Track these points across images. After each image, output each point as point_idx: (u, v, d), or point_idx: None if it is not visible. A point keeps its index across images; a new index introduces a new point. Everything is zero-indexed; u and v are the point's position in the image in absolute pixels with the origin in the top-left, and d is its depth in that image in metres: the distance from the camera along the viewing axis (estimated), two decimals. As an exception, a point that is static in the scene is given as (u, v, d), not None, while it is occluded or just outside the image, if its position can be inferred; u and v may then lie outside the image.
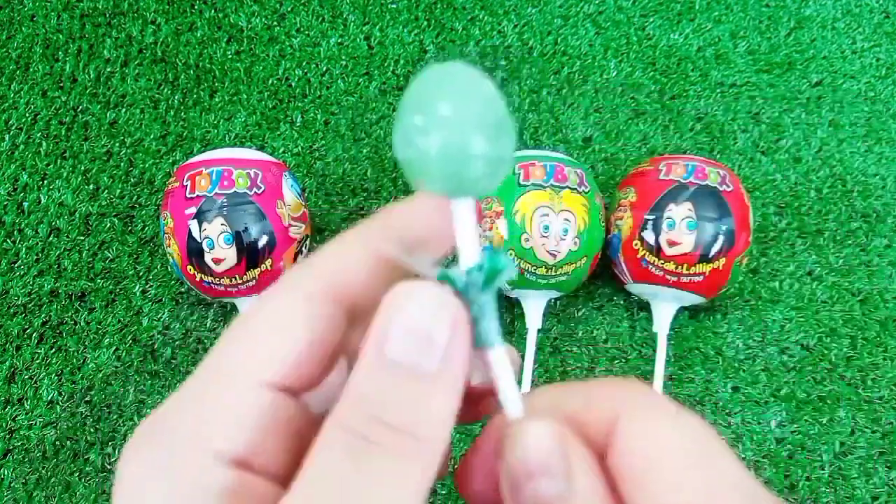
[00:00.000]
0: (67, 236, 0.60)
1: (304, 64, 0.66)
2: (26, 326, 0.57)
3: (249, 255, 0.49)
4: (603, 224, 0.53)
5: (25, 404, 0.55)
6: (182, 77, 0.66)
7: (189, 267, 0.50)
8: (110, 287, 0.58)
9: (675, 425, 0.16)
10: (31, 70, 0.66)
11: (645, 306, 0.57)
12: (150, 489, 0.14)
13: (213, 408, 0.15)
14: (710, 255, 0.49)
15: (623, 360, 0.55)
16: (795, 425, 0.53)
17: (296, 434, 0.16)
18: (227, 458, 0.15)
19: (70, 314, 0.57)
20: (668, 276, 0.50)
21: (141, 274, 0.58)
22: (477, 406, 0.19)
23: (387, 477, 0.14)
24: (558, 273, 0.51)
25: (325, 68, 0.66)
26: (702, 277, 0.50)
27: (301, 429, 0.16)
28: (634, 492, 0.16)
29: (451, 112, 0.15)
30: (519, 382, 0.54)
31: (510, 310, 0.57)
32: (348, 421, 0.15)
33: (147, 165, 0.62)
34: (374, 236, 0.18)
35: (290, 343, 0.16)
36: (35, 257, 0.59)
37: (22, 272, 0.59)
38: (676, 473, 0.16)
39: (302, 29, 0.68)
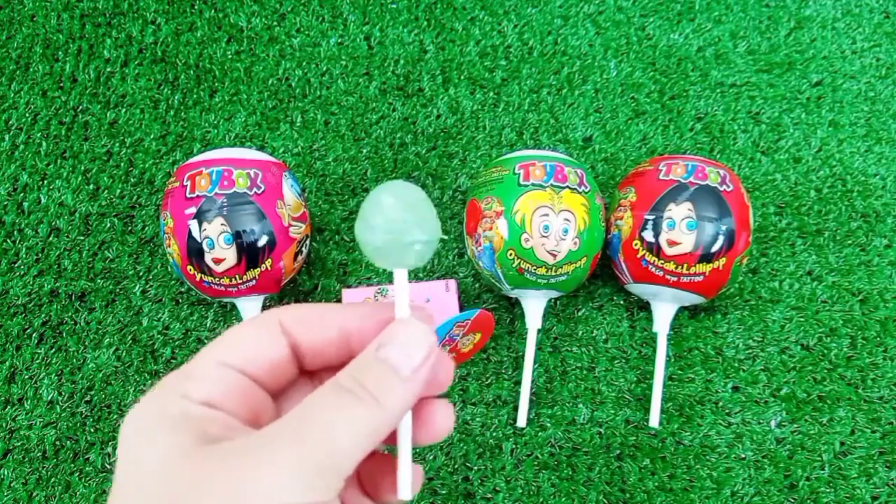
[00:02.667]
0: (67, 236, 0.60)
1: (304, 64, 0.66)
2: (26, 326, 0.57)
3: (249, 255, 0.49)
4: (603, 224, 0.53)
5: (25, 404, 0.55)
6: (182, 77, 0.66)
7: (189, 267, 0.50)
8: (110, 287, 0.58)
9: None
10: (31, 70, 0.66)
11: (645, 306, 0.57)
12: (141, 415, 0.22)
13: (190, 374, 0.23)
14: (710, 255, 0.49)
15: (623, 360, 0.55)
16: (795, 425, 0.53)
17: (250, 398, 0.23)
18: (195, 399, 0.22)
19: (70, 314, 0.57)
20: (668, 276, 0.50)
21: (141, 274, 0.58)
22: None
23: (350, 412, 0.21)
24: (558, 273, 0.51)
25: (325, 68, 0.66)
26: (702, 277, 0.50)
27: (254, 397, 0.24)
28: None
29: (386, 215, 0.24)
30: (519, 382, 0.54)
31: (510, 310, 0.57)
32: (339, 379, 0.23)
33: (147, 165, 0.62)
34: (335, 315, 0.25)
35: (251, 351, 0.24)
36: (35, 257, 0.59)
37: (22, 272, 0.59)
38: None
39: (302, 29, 0.68)
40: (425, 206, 0.25)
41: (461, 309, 0.55)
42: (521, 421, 0.53)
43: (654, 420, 0.52)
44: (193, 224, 0.49)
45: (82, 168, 0.62)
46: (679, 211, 0.50)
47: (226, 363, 0.23)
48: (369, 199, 0.25)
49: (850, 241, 0.59)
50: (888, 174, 0.61)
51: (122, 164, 0.62)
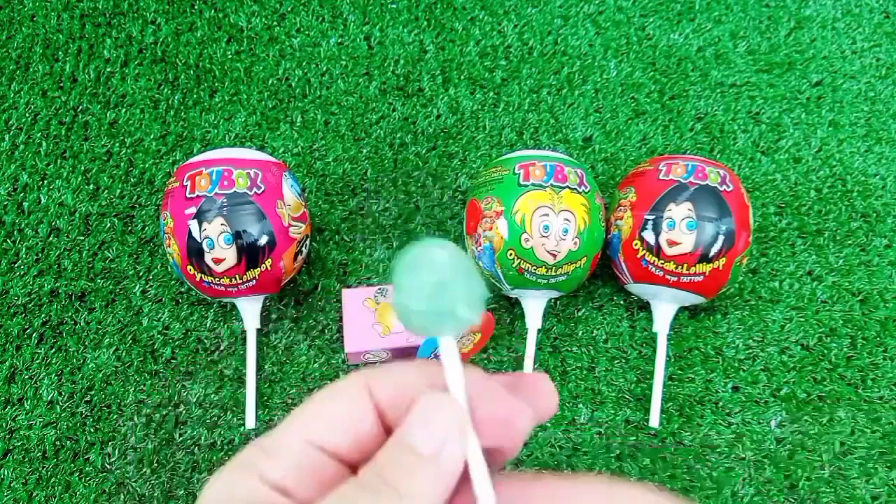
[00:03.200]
0: (67, 236, 0.60)
1: (304, 64, 0.66)
2: (26, 326, 0.57)
3: (249, 255, 0.49)
4: (603, 224, 0.53)
5: (25, 404, 0.55)
6: (182, 77, 0.66)
7: (189, 267, 0.50)
8: (110, 287, 0.58)
9: None
10: (31, 70, 0.66)
11: (645, 306, 0.57)
12: (213, 489, 0.21)
13: (271, 450, 0.21)
14: (710, 255, 0.49)
15: (623, 360, 0.55)
16: (795, 425, 0.53)
17: (329, 481, 0.21)
18: (269, 479, 0.20)
19: (70, 314, 0.57)
20: (668, 276, 0.50)
21: (141, 274, 0.58)
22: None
23: None
24: (558, 273, 0.51)
25: (325, 68, 0.66)
26: (702, 277, 0.50)
27: (332, 476, 0.22)
28: None
29: (439, 287, 0.21)
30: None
31: (510, 310, 0.57)
32: (359, 475, 0.20)
33: (147, 165, 0.62)
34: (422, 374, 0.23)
35: (337, 423, 0.22)
36: (35, 257, 0.59)
37: (22, 272, 0.59)
38: None
39: (302, 29, 0.68)
40: (466, 265, 0.22)
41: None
42: (521, 421, 0.53)
43: (654, 420, 0.52)
44: (193, 224, 0.49)
45: (82, 168, 0.62)
46: (679, 211, 0.50)
47: (313, 442, 0.22)
48: (404, 262, 0.22)
49: (850, 241, 0.59)
50: (888, 174, 0.61)
51: (122, 164, 0.62)
